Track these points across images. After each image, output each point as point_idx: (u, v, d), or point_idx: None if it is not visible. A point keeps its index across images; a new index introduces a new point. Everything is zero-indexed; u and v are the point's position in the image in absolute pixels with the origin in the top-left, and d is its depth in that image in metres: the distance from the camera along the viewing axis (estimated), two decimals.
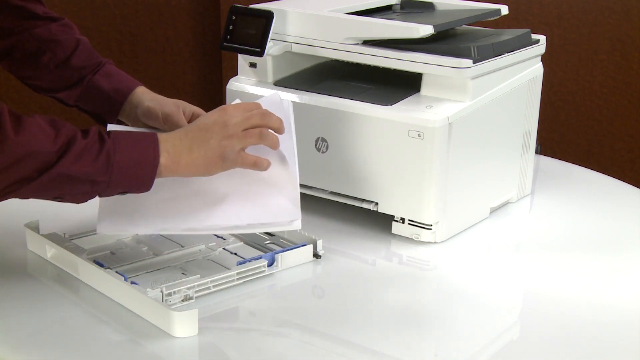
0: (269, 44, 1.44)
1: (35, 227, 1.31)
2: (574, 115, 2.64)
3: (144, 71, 2.86)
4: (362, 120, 1.39)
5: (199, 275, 1.21)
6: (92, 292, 1.21)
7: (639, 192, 1.65)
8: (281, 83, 1.51)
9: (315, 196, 1.46)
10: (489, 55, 1.39)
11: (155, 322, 1.12)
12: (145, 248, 1.31)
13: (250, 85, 1.52)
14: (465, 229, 1.45)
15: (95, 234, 1.32)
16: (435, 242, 1.39)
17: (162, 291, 1.15)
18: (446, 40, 1.44)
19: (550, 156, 1.83)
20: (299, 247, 1.31)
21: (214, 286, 1.20)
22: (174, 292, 1.16)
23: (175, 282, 1.19)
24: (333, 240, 1.38)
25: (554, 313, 1.21)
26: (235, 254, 1.30)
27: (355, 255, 1.37)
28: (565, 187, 1.68)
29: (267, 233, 1.36)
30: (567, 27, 2.56)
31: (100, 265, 1.22)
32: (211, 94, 2.96)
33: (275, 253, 1.28)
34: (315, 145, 1.44)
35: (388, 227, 1.42)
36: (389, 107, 1.38)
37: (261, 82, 1.52)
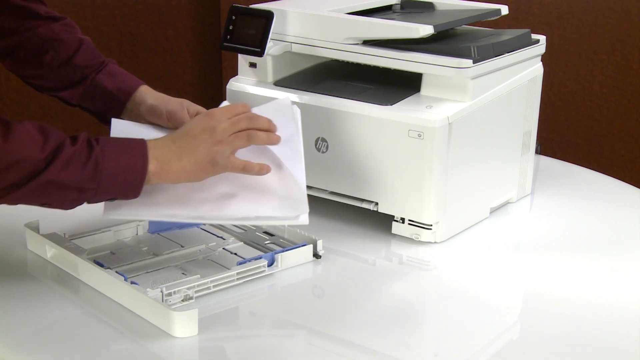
0: (269, 44, 1.44)
1: (35, 227, 1.31)
2: (574, 115, 2.64)
3: (144, 71, 2.86)
4: (362, 120, 1.39)
5: (199, 275, 1.21)
6: (92, 292, 1.21)
7: (639, 192, 1.65)
8: (281, 83, 1.51)
9: (315, 196, 1.46)
10: (489, 55, 1.39)
11: (155, 322, 1.12)
12: (145, 248, 1.31)
13: (250, 85, 1.52)
14: (465, 229, 1.45)
15: (95, 234, 1.32)
16: (435, 242, 1.39)
17: (162, 291, 1.15)
18: (446, 40, 1.44)
19: (550, 156, 1.83)
20: (299, 247, 1.31)
21: (214, 286, 1.20)
22: (174, 292, 1.16)
23: (175, 282, 1.19)
24: (333, 240, 1.38)
25: (554, 313, 1.21)
26: (235, 254, 1.30)
27: (355, 255, 1.37)
28: (565, 187, 1.68)
29: (267, 233, 1.36)
30: (567, 27, 2.56)
31: (100, 265, 1.22)
32: (211, 94, 2.96)
33: (275, 253, 1.28)
34: (315, 145, 1.44)
35: (388, 227, 1.42)
36: (389, 107, 1.38)
37: (261, 82, 1.52)
